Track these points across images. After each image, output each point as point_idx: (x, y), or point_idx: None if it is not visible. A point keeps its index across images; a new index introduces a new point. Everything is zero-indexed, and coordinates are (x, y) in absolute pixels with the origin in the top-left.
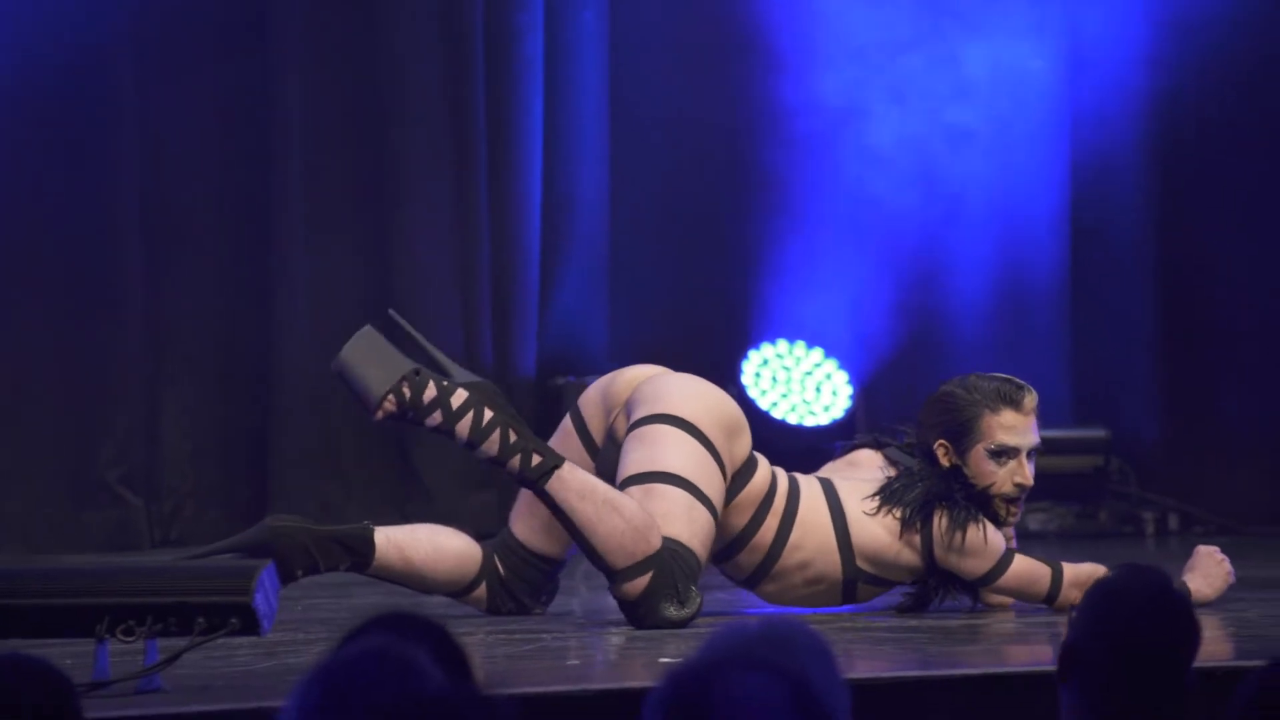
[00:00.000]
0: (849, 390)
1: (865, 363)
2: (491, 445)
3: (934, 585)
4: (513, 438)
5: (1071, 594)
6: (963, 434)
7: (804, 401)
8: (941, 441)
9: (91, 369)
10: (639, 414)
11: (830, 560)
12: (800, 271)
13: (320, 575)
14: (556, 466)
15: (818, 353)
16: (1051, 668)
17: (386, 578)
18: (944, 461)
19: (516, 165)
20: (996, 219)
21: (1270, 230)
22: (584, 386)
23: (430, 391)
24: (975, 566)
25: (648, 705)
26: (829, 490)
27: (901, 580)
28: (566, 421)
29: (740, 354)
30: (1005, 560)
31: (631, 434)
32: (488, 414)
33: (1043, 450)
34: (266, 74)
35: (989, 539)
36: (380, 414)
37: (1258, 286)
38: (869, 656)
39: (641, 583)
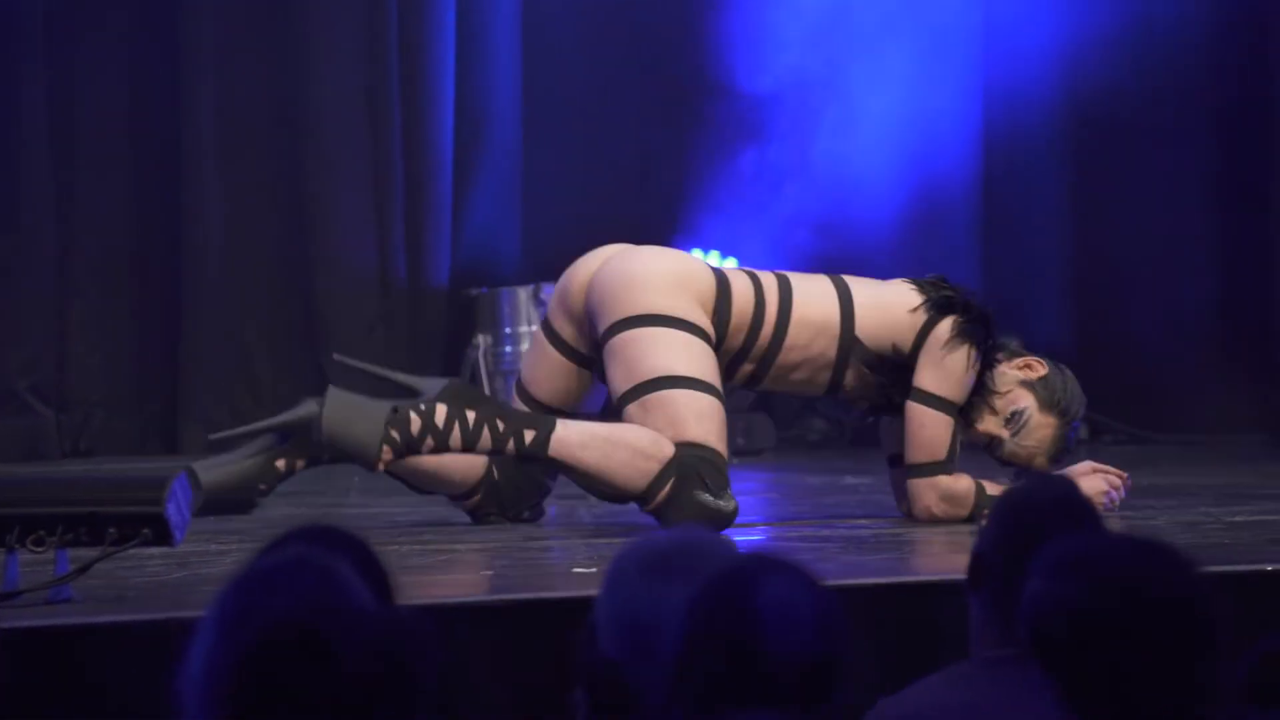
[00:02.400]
0: None
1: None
2: (485, 442)
3: (888, 383)
4: (501, 427)
5: (928, 493)
6: (1045, 392)
7: None
8: (1032, 364)
9: None
10: (601, 326)
11: (829, 333)
12: (714, 184)
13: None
14: (550, 432)
15: (731, 263)
16: (962, 576)
17: (395, 473)
18: (1020, 368)
19: (429, 76)
20: (910, 131)
21: (1180, 140)
22: (496, 298)
23: (415, 422)
24: (929, 379)
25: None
26: (837, 278)
27: (884, 361)
28: (539, 336)
29: None
30: (945, 406)
31: (605, 351)
32: (470, 416)
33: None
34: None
35: (963, 377)
36: (381, 466)
37: (1168, 198)
38: None
39: (666, 492)
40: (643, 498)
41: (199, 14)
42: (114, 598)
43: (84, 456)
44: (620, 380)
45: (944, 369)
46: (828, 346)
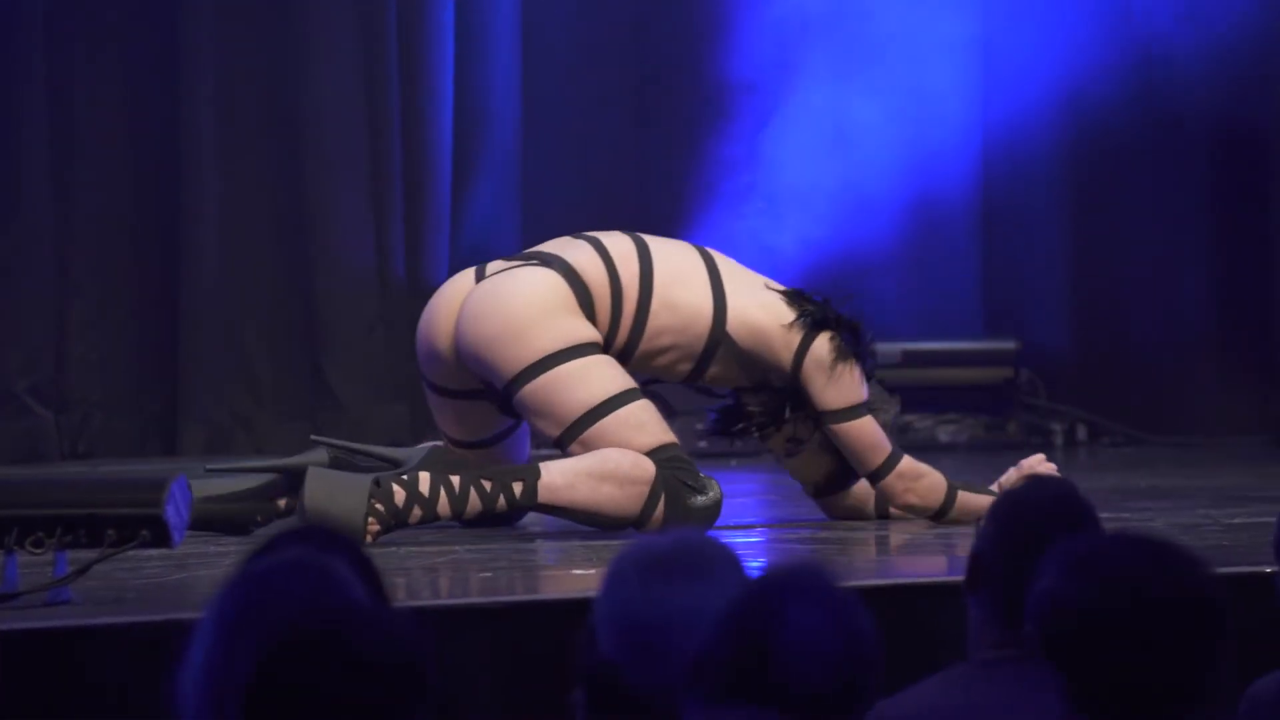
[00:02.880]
0: None
1: (777, 280)
2: (475, 504)
3: (788, 408)
4: (487, 487)
5: (898, 484)
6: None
7: None
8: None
9: None
10: (498, 384)
11: (699, 324)
12: (711, 186)
13: None
14: (537, 480)
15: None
16: (960, 579)
17: None
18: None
19: (428, 76)
20: (909, 131)
21: (1180, 140)
22: None
23: (399, 493)
24: (832, 397)
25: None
26: (705, 255)
27: (755, 378)
28: (429, 393)
29: None
30: (860, 410)
31: (516, 406)
32: (455, 480)
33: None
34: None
35: (858, 381)
36: (370, 538)
37: (1168, 199)
38: None
39: (661, 511)
40: (638, 522)
41: (198, 14)
42: (113, 599)
43: (83, 458)
44: (550, 428)
45: (838, 383)
46: (695, 340)
